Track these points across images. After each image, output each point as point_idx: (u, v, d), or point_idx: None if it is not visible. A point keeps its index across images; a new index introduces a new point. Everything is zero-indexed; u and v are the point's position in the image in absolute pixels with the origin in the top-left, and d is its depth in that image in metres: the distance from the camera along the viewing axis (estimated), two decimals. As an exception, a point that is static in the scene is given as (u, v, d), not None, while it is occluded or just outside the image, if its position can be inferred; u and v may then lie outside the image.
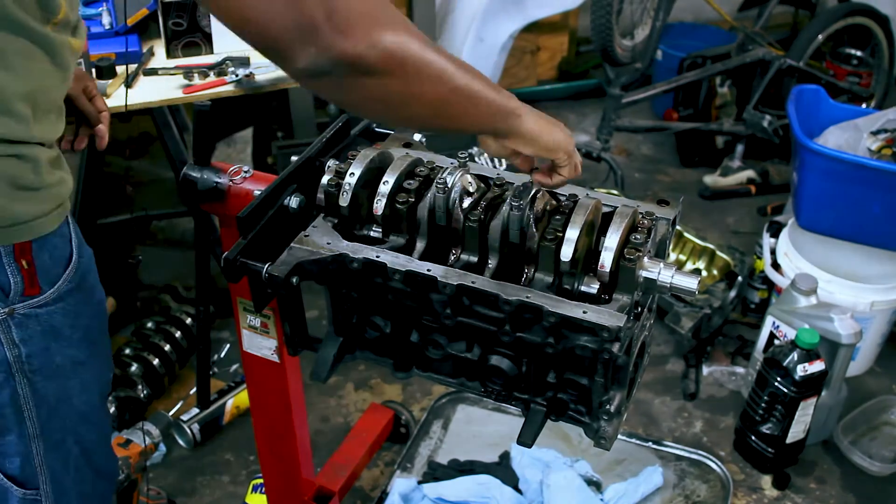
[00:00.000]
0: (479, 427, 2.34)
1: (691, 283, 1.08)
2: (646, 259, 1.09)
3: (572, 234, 1.07)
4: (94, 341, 1.22)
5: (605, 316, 1.03)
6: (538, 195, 1.13)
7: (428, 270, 1.10)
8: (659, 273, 1.09)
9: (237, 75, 2.01)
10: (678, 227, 2.88)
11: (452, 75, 0.96)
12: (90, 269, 1.22)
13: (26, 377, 1.16)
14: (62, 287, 1.14)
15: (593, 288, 1.10)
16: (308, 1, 0.82)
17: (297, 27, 0.83)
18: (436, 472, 2.18)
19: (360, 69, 0.85)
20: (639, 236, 1.09)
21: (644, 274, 1.09)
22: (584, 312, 1.04)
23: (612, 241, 1.08)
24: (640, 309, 1.14)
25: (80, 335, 1.19)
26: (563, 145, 1.09)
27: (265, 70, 2.05)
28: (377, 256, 1.13)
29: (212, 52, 2.10)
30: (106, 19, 2.14)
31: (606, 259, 1.07)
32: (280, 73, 2.05)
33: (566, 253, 1.07)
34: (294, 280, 1.12)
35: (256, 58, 2.06)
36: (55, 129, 1.11)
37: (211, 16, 2.06)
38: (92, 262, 1.24)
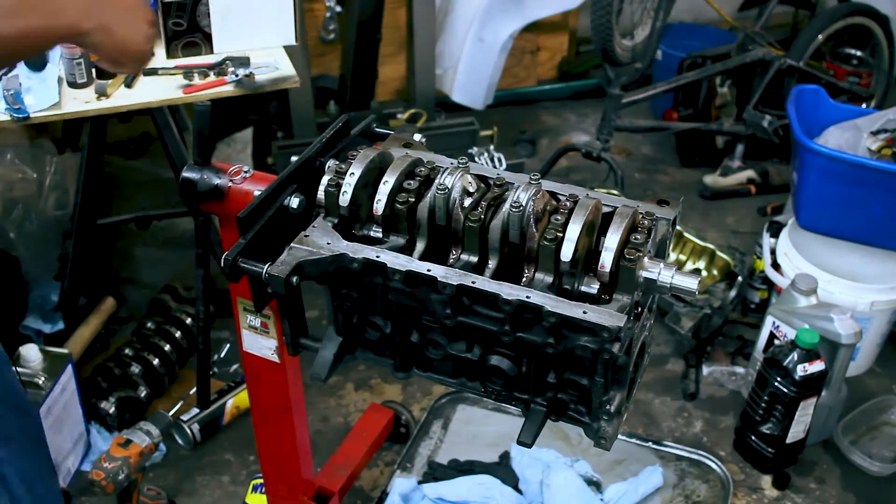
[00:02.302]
0: (479, 427, 2.34)
1: (691, 284, 1.08)
2: (646, 259, 1.09)
3: (572, 234, 1.07)
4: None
5: (606, 316, 1.03)
6: (538, 195, 1.12)
7: (428, 270, 1.10)
8: (659, 273, 1.08)
9: (237, 75, 2.01)
10: (678, 227, 2.88)
11: None
12: None
13: None
14: None
15: (593, 288, 1.10)
16: None
17: None
18: (436, 472, 2.18)
19: None
20: (639, 236, 1.09)
21: (644, 274, 1.09)
22: (585, 312, 1.04)
23: (612, 241, 1.08)
24: (640, 309, 1.14)
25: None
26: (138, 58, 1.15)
27: (265, 70, 2.05)
28: (377, 256, 1.13)
29: (212, 52, 2.10)
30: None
31: (606, 259, 1.07)
32: (280, 73, 2.06)
33: (566, 253, 1.07)
34: (294, 280, 1.12)
35: (256, 58, 2.06)
36: None
37: (211, 15, 2.06)
38: None
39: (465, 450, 2.25)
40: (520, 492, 2.12)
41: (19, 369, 2.01)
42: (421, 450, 2.27)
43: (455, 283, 1.08)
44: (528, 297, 1.06)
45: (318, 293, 1.27)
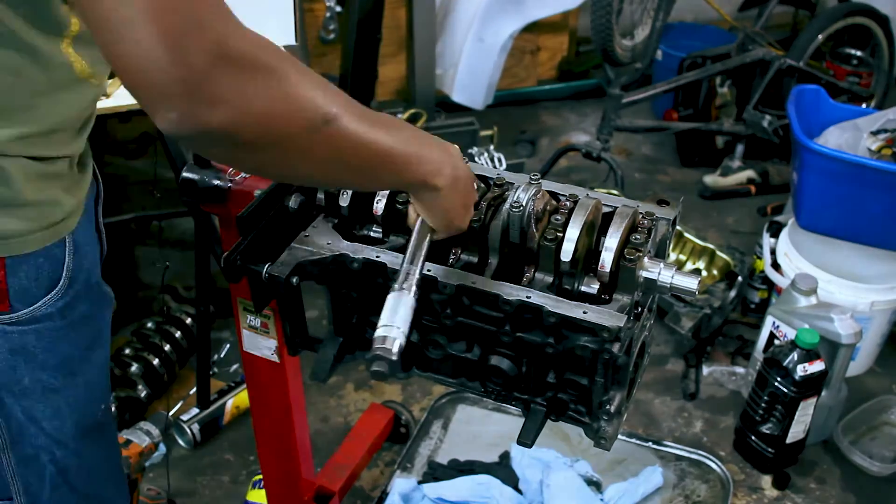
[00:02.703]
0: (479, 427, 2.34)
1: (691, 284, 1.08)
2: (646, 259, 1.09)
3: (572, 234, 1.07)
4: (73, 371, 1.16)
5: (605, 316, 1.03)
6: (538, 195, 1.12)
7: (428, 271, 1.10)
8: (659, 273, 1.08)
9: (237, 75, 2.01)
10: (678, 228, 2.88)
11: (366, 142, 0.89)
12: (89, 300, 1.16)
13: None
14: (40, 309, 1.08)
15: (593, 288, 1.10)
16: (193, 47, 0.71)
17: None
18: (436, 472, 2.18)
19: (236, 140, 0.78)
20: (639, 236, 1.09)
21: (644, 274, 1.09)
22: (584, 313, 1.04)
23: (612, 241, 1.08)
24: (640, 309, 1.14)
25: (56, 362, 1.13)
26: (455, 230, 1.08)
27: (265, 70, 2.04)
28: (377, 256, 1.13)
29: (212, 52, 2.10)
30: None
31: (606, 259, 1.07)
32: (280, 73, 2.06)
33: (566, 253, 1.07)
34: (294, 280, 1.12)
35: (256, 58, 2.06)
36: (51, 146, 1.03)
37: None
38: (96, 293, 1.19)
39: (465, 450, 2.25)
40: (520, 492, 2.12)
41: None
42: (421, 450, 2.27)
43: (455, 284, 1.08)
44: (528, 297, 1.06)
45: (318, 293, 1.27)
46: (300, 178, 0.98)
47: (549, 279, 1.11)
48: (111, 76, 1.14)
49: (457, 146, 1.06)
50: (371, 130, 0.89)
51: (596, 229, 1.13)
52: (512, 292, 1.07)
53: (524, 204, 1.10)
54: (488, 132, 3.38)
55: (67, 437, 1.20)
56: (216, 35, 0.72)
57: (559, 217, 1.10)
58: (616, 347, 1.04)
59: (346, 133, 0.85)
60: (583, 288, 1.10)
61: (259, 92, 0.75)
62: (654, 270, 1.09)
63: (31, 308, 1.07)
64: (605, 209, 1.15)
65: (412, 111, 3.28)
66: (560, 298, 1.06)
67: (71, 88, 1.02)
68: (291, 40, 2.06)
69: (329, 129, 0.83)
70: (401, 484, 2.10)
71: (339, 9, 3.15)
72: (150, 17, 0.69)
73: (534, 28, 3.80)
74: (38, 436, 1.18)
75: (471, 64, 3.51)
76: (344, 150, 0.87)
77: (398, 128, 0.95)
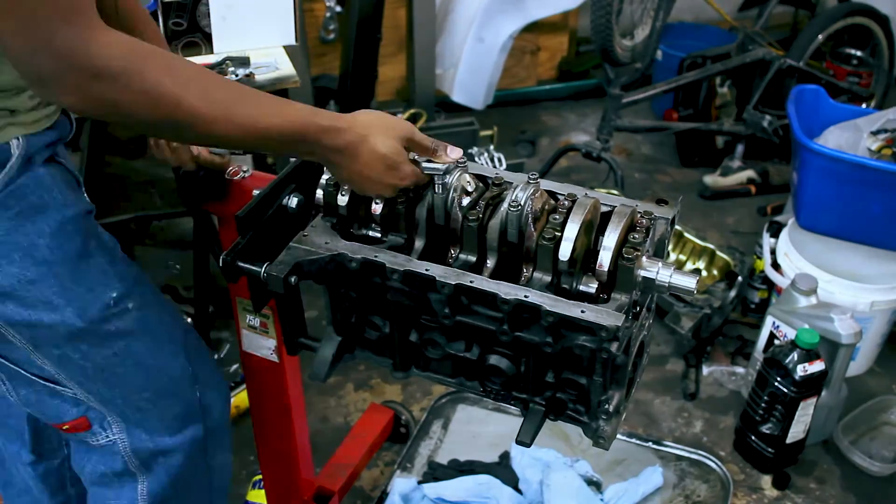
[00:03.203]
0: (480, 427, 2.33)
1: (689, 283, 1.08)
2: (644, 258, 1.09)
3: (570, 233, 1.07)
4: (44, 260, 1.12)
5: (604, 315, 1.03)
6: (536, 194, 1.12)
7: (426, 270, 1.10)
8: (657, 272, 1.08)
9: (237, 75, 2.01)
10: (678, 228, 2.88)
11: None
12: (44, 187, 1.14)
13: None
14: None
15: (592, 287, 1.10)
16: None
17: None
18: (436, 472, 2.18)
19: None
20: (637, 236, 1.09)
21: (642, 273, 1.09)
22: (583, 312, 1.04)
23: (610, 240, 1.08)
24: (638, 308, 1.14)
25: (21, 253, 1.11)
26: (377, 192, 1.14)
27: (265, 70, 2.05)
28: (375, 256, 1.13)
29: (212, 52, 2.10)
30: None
31: (605, 258, 1.07)
32: (280, 73, 2.06)
33: (564, 252, 1.07)
34: (292, 280, 1.12)
35: (256, 58, 2.06)
36: None
37: (211, 15, 2.07)
38: (60, 191, 1.16)
39: (465, 450, 2.25)
40: (520, 492, 2.12)
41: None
42: (421, 450, 2.27)
43: (453, 283, 1.08)
44: (526, 296, 1.06)
45: (318, 293, 1.27)
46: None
47: (548, 278, 1.11)
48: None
49: (370, 117, 1.12)
50: (226, 111, 1.00)
51: (594, 229, 1.13)
52: (510, 291, 1.07)
53: (522, 203, 1.10)
54: (488, 132, 3.38)
55: (75, 328, 1.18)
56: (63, 49, 0.89)
57: (557, 216, 1.11)
58: (614, 346, 1.04)
59: (195, 116, 0.98)
60: (581, 287, 1.10)
61: (102, 94, 0.93)
62: (652, 270, 1.09)
63: None
64: (604, 208, 1.15)
65: (412, 111, 3.28)
66: (558, 297, 1.06)
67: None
68: (291, 40, 2.06)
69: (178, 115, 0.97)
70: (401, 484, 2.10)
71: (339, 9, 3.15)
72: (13, 23, 0.88)
73: (534, 28, 3.80)
74: (53, 332, 1.18)
75: (471, 64, 3.51)
76: (202, 132, 1.00)
77: (259, 104, 1.04)
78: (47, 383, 1.25)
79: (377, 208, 1.18)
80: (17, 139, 1.09)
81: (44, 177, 1.12)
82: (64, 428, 1.32)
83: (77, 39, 0.89)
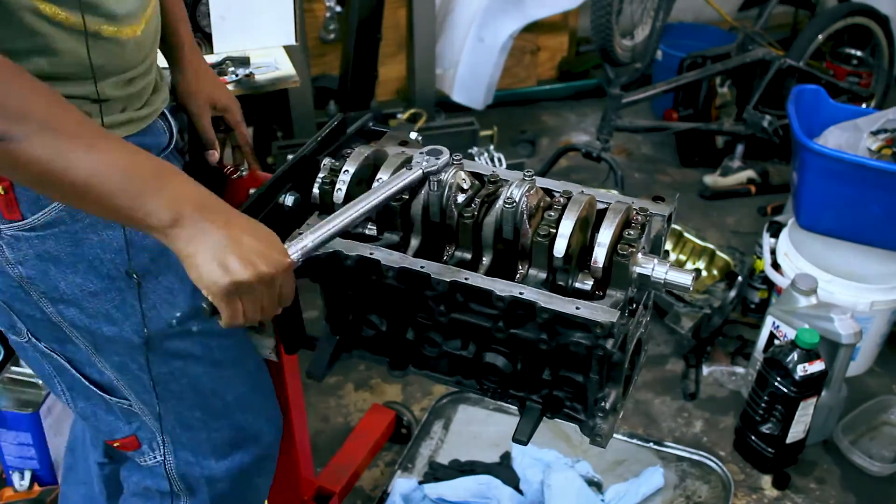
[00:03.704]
0: (480, 427, 2.33)
1: (685, 279, 1.08)
2: (639, 255, 1.09)
3: (565, 229, 1.07)
4: (107, 275, 1.13)
5: (599, 312, 1.03)
6: (531, 191, 1.12)
7: (422, 267, 1.10)
8: (653, 269, 1.08)
9: (237, 75, 2.01)
10: (678, 227, 2.88)
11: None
12: None
13: (46, 298, 1.14)
14: (49, 215, 1.08)
15: (587, 284, 1.10)
16: None
17: None
18: (437, 473, 2.18)
19: None
20: (632, 232, 1.09)
21: (638, 270, 1.08)
22: (578, 308, 1.04)
23: (605, 236, 1.07)
24: (634, 305, 1.14)
25: (86, 265, 1.12)
26: (209, 286, 0.96)
27: (265, 70, 2.05)
28: (371, 254, 1.13)
29: (212, 52, 2.10)
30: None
31: (599, 255, 1.07)
32: (280, 73, 2.06)
33: (559, 249, 1.07)
34: (290, 278, 1.12)
35: (256, 58, 2.06)
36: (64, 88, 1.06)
37: (211, 15, 2.07)
38: None
39: (466, 450, 2.25)
40: (520, 492, 2.12)
41: (20, 369, 2.02)
42: (422, 450, 2.26)
43: (448, 280, 1.08)
44: (521, 293, 1.06)
45: (318, 293, 1.27)
46: (14, 180, 1.02)
47: (543, 275, 1.11)
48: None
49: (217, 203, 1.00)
50: (69, 159, 0.90)
51: (590, 225, 1.13)
52: (505, 288, 1.07)
53: (517, 200, 1.10)
54: (488, 132, 3.38)
55: (131, 346, 1.18)
56: None
57: (552, 213, 1.11)
58: (610, 343, 1.04)
59: (23, 154, 0.88)
60: (576, 284, 1.10)
61: None
62: (647, 266, 1.08)
63: (39, 214, 1.08)
64: (600, 205, 1.15)
65: (412, 111, 3.28)
66: (553, 294, 1.06)
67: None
68: (291, 41, 2.06)
69: (3, 146, 0.87)
70: (402, 484, 2.10)
71: (339, 9, 3.15)
72: None
73: (534, 28, 3.80)
74: (108, 342, 1.18)
75: (471, 64, 3.51)
76: (26, 171, 0.90)
77: (123, 156, 0.94)
78: (104, 394, 1.25)
79: (373, 206, 1.18)
80: None
81: None
82: (115, 445, 1.32)
83: None
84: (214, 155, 1.40)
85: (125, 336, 1.17)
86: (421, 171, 1.10)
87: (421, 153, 1.12)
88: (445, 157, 1.12)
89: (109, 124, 1.09)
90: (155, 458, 1.33)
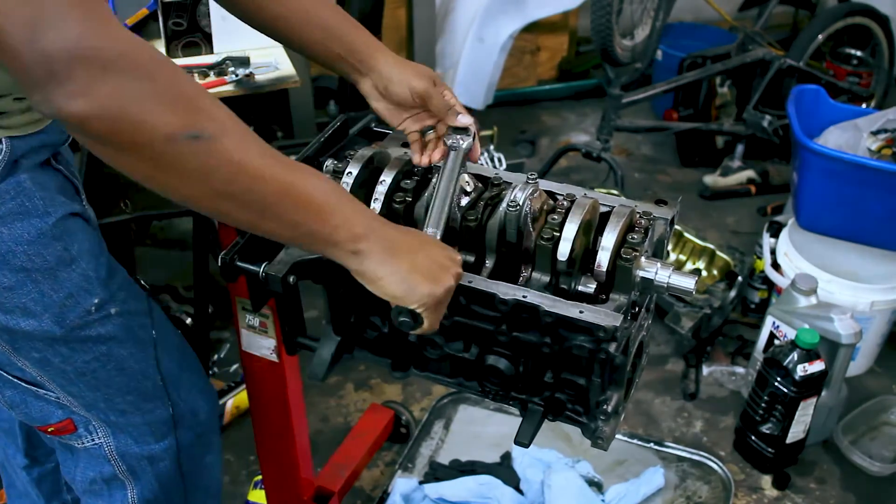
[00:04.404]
0: (481, 427, 2.33)
1: (688, 283, 1.08)
2: (643, 259, 1.09)
3: (569, 233, 1.07)
4: (21, 267, 1.10)
5: (602, 315, 1.03)
6: (535, 194, 1.12)
7: (425, 270, 1.10)
8: (656, 273, 1.09)
9: (237, 75, 2.02)
10: (678, 228, 2.88)
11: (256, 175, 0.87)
12: (25, 193, 1.10)
13: None
14: None
15: (590, 288, 1.10)
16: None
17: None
18: (437, 473, 2.18)
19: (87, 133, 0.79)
20: (636, 236, 1.09)
21: (641, 274, 1.09)
22: (581, 312, 1.04)
23: (608, 240, 1.08)
24: (637, 309, 1.14)
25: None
26: (422, 299, 1.00)
27: (265, 70, 2.05)
28: (374, 256, 1.13)
29: (212, 52, 2.10)
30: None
31: (603, 258, 1.07)
32: (280, 73, 2.06)
33: (563, 252, 1.07)
34: (291, 279, 1.12)
35: (256, 58, 2.06)
36: None
37: (211, 15, 2.07)
38: (43, 197, 1.12)
39: (466, 450, 2.25)
40: (521, 492, 2.12)
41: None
42: (422, 450, 2.27)
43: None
44: (524, 296, 1.06)
45: (318, 293, 1.27)
46: (179, 196, 0.93)
47: (546, 279, 1.11)
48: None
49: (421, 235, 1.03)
50: (264, 162, 0.87)
51: (593, 229, 1.13)
52: (508, 291, 1.07)
53: (521, 203, 1.10)
54: (488, 132, 3.37)
55: (53, 335, 1.16)
56: (76, 29, 0.75)
57: (556, 216, 1.11)
58: (612, 347, 1.04)
59: (223, 154, 0.84)
60: (580, 287, 1.10)
61: (114, 90, 0.77)
62: (650, 270, 1.09)
63: None
64: (603, 209, 1.15)
65: (412, 111, 3.28)
66: (556, 298, 1.06)
67: None
68: (291, 41, 2.06)
69: (196, 144, 0.82)
70: (402, 484, 2.10)
71: (339, 9, 3.15)
72: (15, 5, 0.75)
73: (534, 28, 3.80)
74: (31, 337, 1.16)
75: (471, 64, 3.51)
76: (218, 173, 0.84)
77: (313, 175, 0.94)
78: (30, 386, 1.24)
79: (376, 207, 1.18)
80: (1, 142, 1.05)
81: (25, 182, 1.09)
82: (49, 430, 1.30)
83: (88, 27, 0.76)
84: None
85: (45, 328, 1.15)
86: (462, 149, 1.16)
87: (449, 136, 1.16)
88: (472, 129, 1.17)
89: (18, 123, 1.08)
90: (93, 440, 1.31)
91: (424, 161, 1.22)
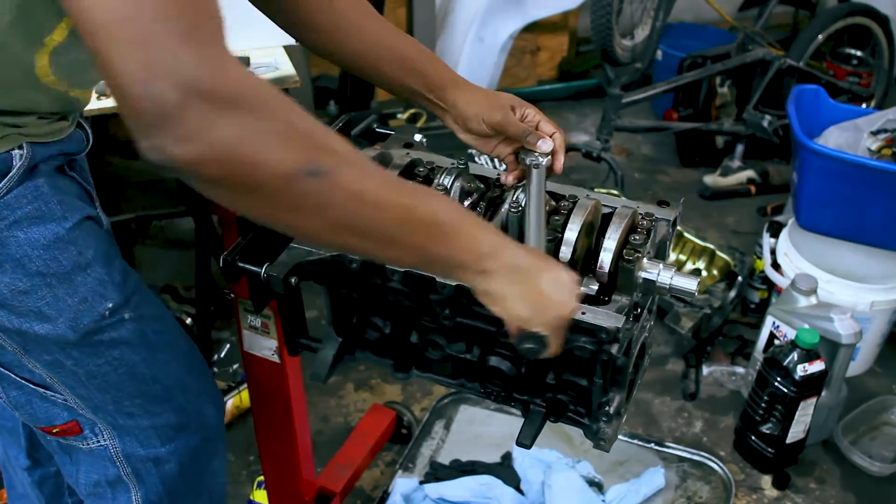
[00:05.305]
0: (481, 427, 2.34)
1: (690, 285, 1.08)
2: (645, 260, 1.09)
3: (571, 234, 1.07)
4: (37, 272, 1.11)
5: (604, 317, 1.03)
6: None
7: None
8: (658, 274, 1.09)
9: (237, 76, 2.01)
10: (678, 227, 2.88)
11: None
12: (42, 198, 1.11)
13: None
14: None
15: (592, 289, 1.10)
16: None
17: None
18: (437, 473, 2.18)
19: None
20: (638, 237, 1.09)
21: (643, 275, 1.09)
22: (583, 313, 1.04)
23: (610, 241, 1.08)
24: (639, 310, 1.14)
25: (13, 264, 1.09)
26: (550, 322, 0.98)
27: (265, 70, 2.05)
28: (376, 257, 1.13)
29: (212, 53, 2.10)
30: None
31: (605, 260, 1.07)
32: (280, 73, 2.06)
33: (565, 253, 1.07)
34: (293, 280, 1.13)
35: (256, 58, 2.06)
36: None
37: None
38: (61, 202, 1.13)
39: (467, 450, 2.25)
40: (521, 492, 2.12)
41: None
42: (423, 450, 2.27)
43: (454, 284, 1.08)
44: (526, 297, 1.06)
45: (318, 293, 1.27)
46: (300, 233, 0.92)
47: (549, 280, 1.11)
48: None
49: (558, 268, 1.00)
50: (383, 190, 0.85)
51: (595, 230, 1.13)
52: (511, 293, 1.06)
53: (523, 205, 1.10)
54: (488, 132, 3.37)
55: (67, 339, 1.17)
56: (192, 72, 0.72)
57: (558, 218, 1.11)
58: (615, 348, 1.04)
59: (341, 187, 0.81)
60: (582, 289, 1.10)
61: (229, 130, 0.74)
62: (653, 271, 1.09)
63: None
64: (605, 210, 1.15)
65: (412, 111, 3.28)
66: (559, 299, 1.06)
67: (38, 89, 1.06)
68: (292, 40, 2.06)
69: (315, 182, 0.79)
70: (403, 484, 2.10)
71: (339, 9, 3.14)
72: (126, 45, 0.71)
73: (534, 28, 3.80)
74: (44, 341, 1.16)
75: (471, 64, 3.51)
76: (338, 207, 0.83)
77: (434, 197, 0.93)
78: (37, 388, 1.24)
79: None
80: (22, 147, 1.06)
81: (42, 187, 1.09)
82: (54, 431, 1.30)
83: (201, 67, 0.73)
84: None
85: (59, 332, 1.15)
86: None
87: (526, 154, 1.16)
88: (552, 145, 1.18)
89: (40, 133, 1.10)
90: (98, 442, 1.31)
91: (509, 180, 1.22)
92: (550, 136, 1.18)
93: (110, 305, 1.17)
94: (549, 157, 1.15)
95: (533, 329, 0.97)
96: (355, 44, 1.24)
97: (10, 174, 1.05)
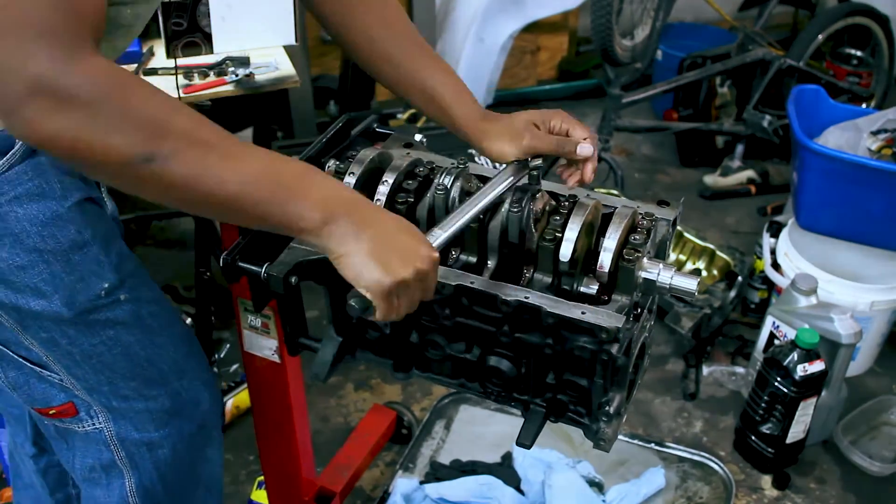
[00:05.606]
0: (482, 427, 2.34)
1: (690, 285, 1.08)
2: (645, 260, 1.09)
3: (571, 234, 1.07)
4: (34, 248, 1.12)
5: (604, 317, 1.03)
6: (537, 195, 1.12)
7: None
8: (658, 274, 1.09)
9: (237, 75, 2.02)
10: (678, 227, 2.88)
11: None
12: (43, 175, 1.12)
13: None
14: None
15: (592, 289, 1.10)
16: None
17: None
18: (438, 473, 2.18)
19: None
20: (638, 237, 1.09)
21: (643, 275, 1.09)
22: (583, 313, 1.04)
23: (611, 241, 1.08)
24: (639, 310, 1.14)
25: (11, 239, 1.10)
26: (370, 285, 0.97)
27: (265, 70, 2.05)
28: (376, 257, 1.12)
29: (212, 52, 2.10)
30: (106, 20, 2.14)
31: (605, 259, 1.07)
32: (280, 72, 2.06)
33: (565, 253, 1.07)
34: (293, 280, 1.12)
35: (256, 58, 2.06)
36: None
37: (211, 15, 2.06)
38: (61, 180, 1.14)
39: (467, 450, 2.25)
40: (522, 492, 2.12)
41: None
42: (423, 450, 2.27)
43: (454, 284, 1.08)
44: (526, 297, 1.06)
45: (318, 293, 1.27)
46: (155, 202, 0.97)
47: (548, 280, 1.11)
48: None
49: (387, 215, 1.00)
50: (222, 167, 0.89)
51: (595, 230, 1.13)
52: (510, 293, 1.07)
53: (523, 204, 1.10)
54: (488, 132, 3.37)
55: (62, 316, 1.17)
56: (39, 69, 0.81)
57: (558, 217, 1.11)
58: (615, 348, 1.04)
59: (174, 173, 0.87)
60: (582, 288, 1.10)
61: (65, 123, 0.83)
62: (653, 271, 1.09)
63: None
64: (605, 210, 1.15)
65: (412, 111, 3.28)
66: (558, 299, 1.06)
67: None
68: (291, 40, 2.06)
69: (150, 168, 0.86)
70: (403, 484, 2.10)
71: (339, 9, 3.14)
72: None
73: (534, 28, 3.80)
74: (40, 317, 1.17)
75: (471, 64, 3.51)
76: (176, 192, 0.89)
77: (276, 161, 0.94)
78: (35, 367, 1.25)
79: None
80: None
81: (44, 165, 1.10)
82: (51, 413, 1.31)
83: (52, 60, 0.81)
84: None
85: (54, 309, 1.16)
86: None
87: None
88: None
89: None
90: (93, 424, 1.31)
91: (571, 182, 1.22)
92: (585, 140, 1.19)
93: (106, 286, 1.19)
94: (536, 172, 1.16)
95: (361, 289, 0.97)
96: (392, 71, 1.32)
97: (13, 150, 1.07)
